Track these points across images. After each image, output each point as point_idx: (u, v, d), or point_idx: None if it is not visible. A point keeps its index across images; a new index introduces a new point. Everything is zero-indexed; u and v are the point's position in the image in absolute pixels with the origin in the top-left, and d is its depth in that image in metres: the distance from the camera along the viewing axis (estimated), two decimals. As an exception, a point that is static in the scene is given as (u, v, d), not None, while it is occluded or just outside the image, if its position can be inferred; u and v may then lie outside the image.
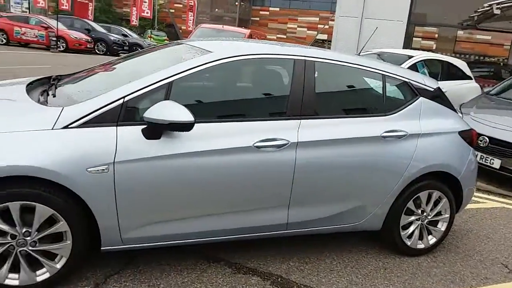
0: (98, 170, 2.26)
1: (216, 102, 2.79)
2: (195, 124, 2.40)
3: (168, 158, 2.39)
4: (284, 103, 2.78)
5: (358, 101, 3.19)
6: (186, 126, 2.35)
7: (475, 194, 4.51)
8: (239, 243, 3.05)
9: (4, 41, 18.09)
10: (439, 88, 3.40)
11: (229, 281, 2.64)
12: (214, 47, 2.79)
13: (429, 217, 3.24)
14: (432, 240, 3.30)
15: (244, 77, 3.01)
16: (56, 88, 2.85)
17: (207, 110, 2.70)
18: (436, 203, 3.24)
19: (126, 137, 2.34)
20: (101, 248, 2.42)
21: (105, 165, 2.27)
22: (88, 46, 19.44)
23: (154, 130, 2.39)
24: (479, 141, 5.40)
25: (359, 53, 5.80)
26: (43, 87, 2.94)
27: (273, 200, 2.71)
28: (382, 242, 3.32)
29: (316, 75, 2.88)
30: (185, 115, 2.33)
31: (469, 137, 3.37)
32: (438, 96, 3.35)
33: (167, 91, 2.48)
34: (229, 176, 2.54)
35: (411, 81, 3.22)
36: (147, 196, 2.39)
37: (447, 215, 3.30)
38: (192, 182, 2.46)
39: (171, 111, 2.33)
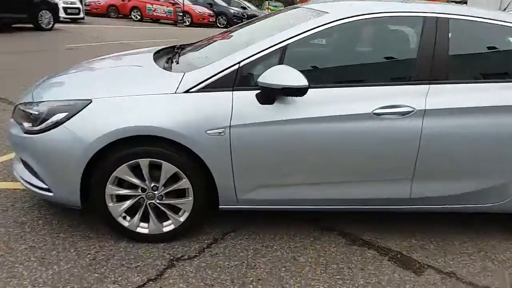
0: (215, 132, 2.32)
1: (332, 66, 2.61)
2: (310, 90, 2.31)
3: (281, 124, 2.34)
4: (410, 66, 2.49)
5: (501, 65, 2.68)
6: (299, 91, 2.26)
7: None
8: (355, 216, 2.91)
9: (138, 17, 20.01)
10: None
11: (342, 251, 2.54)
12: (331, 8, 2.60)
13: None
14: None
15: (364, 39, 2.75)
16: (179, 56, 3.00)
17: (323, 75, 2.55)
18: None
19: (241, 101, 2.35)
20: (219, 207, 2.53)
21: (222, 128, 2.32)
22: (210, 20, 20.43)
23: (268, 95, 2.35)
24: None
25: (505, 9, 4.90)
26: (168, 55, 3.12)
27: (394, 172, 2.49)
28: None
29: (450, 35, 2.50)
30: (299, 80, 2.23)
31: None
32: None
33: (282, 55, 2.41)
34: (345, 144, 2.39)
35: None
36: (261, 160, 2.39)
37: None
38: (305, 148, 2.39)
39: (284, 75, 2.25)
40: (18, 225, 2.59)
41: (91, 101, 2.34)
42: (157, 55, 3.12)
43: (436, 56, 2.46)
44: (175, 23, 19.49)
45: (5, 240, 2.43)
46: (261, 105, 2.35)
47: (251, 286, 2.20)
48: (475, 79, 2.53)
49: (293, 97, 2.36)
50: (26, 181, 2.54)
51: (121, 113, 2.29)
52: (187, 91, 2.36)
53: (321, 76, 2.53)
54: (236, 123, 2.32)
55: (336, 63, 2.62)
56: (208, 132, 2.32)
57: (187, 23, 19.69)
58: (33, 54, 8.61)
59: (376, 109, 2.37)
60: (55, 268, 2.22)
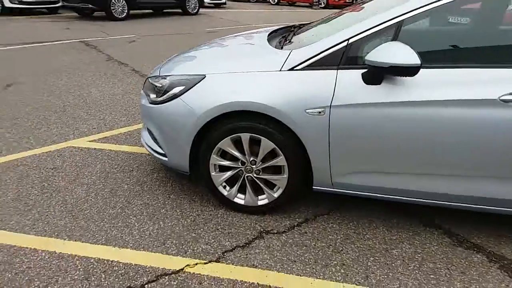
0: (314, 112, 2.31)
1: (452, 44, 2.34)
2: (424, 70, 2.12)
3: (387, 106, 2.20)
4: None
5: None
6: (409, 71, 2.08)
7: None
8: (466, 215, 2.61)
9: (276, 1, 20.36)
10: None
11: (445, 251, 2.32)
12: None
13: None
14: None
15: (492, 13, 2.38)
16: (294, 35, 3.02)
17: (441, 54, 2.30)
18: None
19: (344, 81, 2.27)
20: (313, 187, 2.52)
21: (322, 108, 2.29)
22: (346, 0, 19.75)
23: (374, 74, 2.22)
24: None
25: None
26: (283, 34, 3.16)
27: None
28: None
29: None
30: (410, 58, 2.05)
31: None
32: None
33: (396, 32, 2.24)
34: (460, 133, 2.13)
35: None
36: (361, 144, 2.30)
37: None
38: (413, 135, 2.20)
39: (394, 53, 2.09)
40: (139, 184, 2.98)
41: (205, 77, 2.53)
42: (273, 35, 3.19)
43: None
44: (310, 6, 19.50)
45: (126, 195, 2.83)
46: (366, 85, 2.25)
47: (333, 269, 2.17)
48: None
49: (403, 78, 2.20)
50: (149, 146, 2.89)
51: (227, 88, 2.43)
52: (292, 69, 2.38)
53: (438, 55, 2.29)
54: (337, 103, 2.27)
55: (456, 40, 2.34)
56: (308, 111, 2.31)
57: (323, 5, 19.53)
58: (178, 36, 9.56)
59: (504, 94, 2.06)
60: (160, 224, 2.51)
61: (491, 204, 2.26)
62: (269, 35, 3.16)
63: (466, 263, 2.22)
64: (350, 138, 2.30)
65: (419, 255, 2.28)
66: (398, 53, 2.07)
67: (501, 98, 2.05)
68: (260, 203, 2.64)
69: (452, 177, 2.24)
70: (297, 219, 2.61)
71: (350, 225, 2.56)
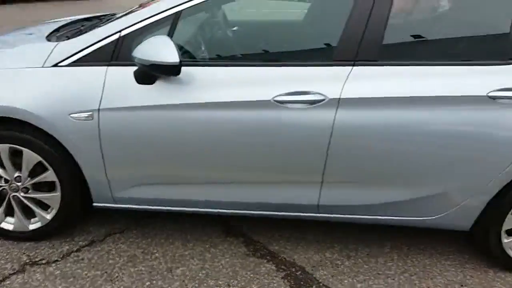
0: (81, 117, 1.97)
1: (231, 40, 2.19)
2: (201, 68, 1.94)
3: (160, 109, 1.94)
4: (331, 41, 1.98)
5: (461, 40, 2.06)
6: (169, 69, 1.85)
7: None
8: (276, 221, 2.49)
9: None
10: None
11: (233, 263, 2.15)
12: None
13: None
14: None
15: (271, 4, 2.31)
16: (83, 26, 2.64)
17: (221, 51, 2.13)
18: None
19: (115, 80, 1.97)
20: (93, 204, 2.19)
21: (89, 111, 1.96)
22: None
23: (144, 73, 1.96)
24: None
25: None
26: (77, 24, 2.76)
27: (298, 173, 2.03)
28: (475, 247, 2.34)
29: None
30: (169, 55, 1.82)
31: None
32: None
33: (173, 24, 2.00)
34: (238, 138, 1.95)
35: None
36: (136, 153, 2.01)
37: None
38: (189, 140, 1.98)
39: (156, 49, 1.85)
40: None
41: None
42: (71, 26, 2.75)
43: (370, 27, 1.89)
44: None
45: None
46: (139, 85, 1.97)
47: (96, 302, 1.86)
48: (418, 60, 1.92)
49: (178, 78, 1.96)
50: None
51: None
52: (55, 65, 2.00)
53: (218, 52, 2.11)
54: (106, 106, 1.96)
55: (235, 36, 2.19)
56: (73, 116, 1.97)
57: None
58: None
59: (277, 95, 1.90)
60: None
61: (279, 209, 2.15)
62: (66, 25, 2.73)
63: (252, 275, 2.07)
64: (124, 146, 2.01)
65: (204, 272, 2.08)
66: (159, 49, 1.83)
67: (275, 98, 1.91)
68: (32, 227, 2.22)
69: (237, 184, 2.08)
70: (80, 243, 2.25)
71: (143, 243, 2.28)
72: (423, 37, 2.00)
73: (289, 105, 1.89)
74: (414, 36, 1.99)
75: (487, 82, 1.88)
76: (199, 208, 2.18)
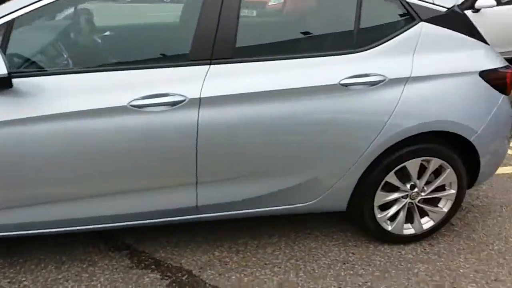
0: None
1: (78, 46, 2.05)
2: (43, 78, 1.78)
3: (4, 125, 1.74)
4: (185, 40, 1.94)
5: (311, 34, 2.16)
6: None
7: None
8: (165, 227, 2.37)
9: None
10: (455, 8, 2.26)
11: (114, 279, 2.01)
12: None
13: (423, 194, 2.27)
14: (428, 223, 2.34)
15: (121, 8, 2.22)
16: None
17: (64, 57, 1.97)
18: (436, 175, 2.26)
19: None
20: None
21: None
22: None
23: None
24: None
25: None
26: None
27: (171, 177, 1.96)
28: (354, 225, 2.47)
29: None
30: None
31: (499, 79, 2.21)
32: (453, 21, 2.20)
33: (5, 33, 1.78)
34: (97, 148, 1.81)
35: None
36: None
37: (453, 191, 2.28)
38: (42, 156, 1.79)
39: None
40: None
41: None
42: None
43: (222, 26, 1.88)
44: None
45: None
46: None
47: None
48: (272, 55, 1.97)
49: (16, 90, 1.75)
50: None
51: None
52: None
53: (61, 59, 1.95)
54: None
55: (82, 41, 2.06)
56: None
57: None
58: None
59: (134, 100, 1.79)
60: None
61: (156, 216, 2.05)
62: None
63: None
64: None
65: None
66: None
67: (131, 103, 1.79)
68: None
69: (103, 196, 1.94)
70: None
71: (10, 272, 2.04)
72: (276, 34, 2.07)
73: (148, 109, 1.81)
74: (266, 33, 2.05)
75: (338, 71, 1.97)
76: (75, 226, 2.00)
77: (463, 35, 2.18)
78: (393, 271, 2.13)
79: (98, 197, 1.93)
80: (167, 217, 2.06)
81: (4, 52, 1.73)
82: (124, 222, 2.03)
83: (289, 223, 2.48)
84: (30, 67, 1.87)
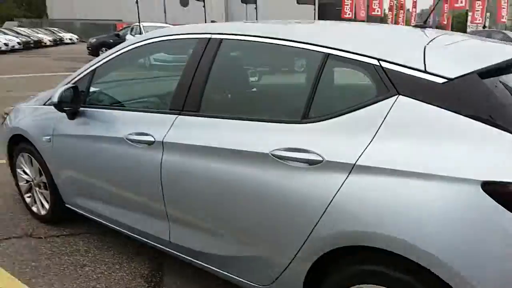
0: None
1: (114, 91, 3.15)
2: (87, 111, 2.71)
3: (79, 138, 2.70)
4: (173, 93, 2.31)
5: (264, 95, 2.49)
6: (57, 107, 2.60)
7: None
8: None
9: None
10: (472, 75, 1.52)
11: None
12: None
13: None
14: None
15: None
16: None
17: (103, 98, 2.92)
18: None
19: (61, 116, 2.74)
20: None
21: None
22: None
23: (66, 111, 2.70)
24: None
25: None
26: None
27: (147, 204, 2.37)
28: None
29: (217, 57, 2.15)
30: (55, 96, 2.57)
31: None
32: (456, 97, 1.48)
33: (91, 77, 2.79)
34: (99, 167, 2.59)
35: (387, 63, 1.61)
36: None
37: None
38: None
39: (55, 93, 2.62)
40: None
41: None
42: None
43: (195, 82, 2.17)
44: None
45: None
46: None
47: None
48: (230, 114, 2.02)
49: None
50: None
51: None
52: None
53: (94, 98, 2.79)
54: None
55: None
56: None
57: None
58: None
59: (129, 134, 2.35)
60: None
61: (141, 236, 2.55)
62: None
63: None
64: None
65: None
66: (55, 93, 2.56)
67: (127, 137, 2.35)
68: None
69: None
70: None
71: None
72: (235, 93, 2.36)
73: (135, 144, 2.31)
74: (230, 93, 2.35)
75: (273, 140, 1.77)
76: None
77: (469, 119, 1.43)
78: None
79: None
80: (148, 239, 2.47)
81: (88, 90, 2.68)
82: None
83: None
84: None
